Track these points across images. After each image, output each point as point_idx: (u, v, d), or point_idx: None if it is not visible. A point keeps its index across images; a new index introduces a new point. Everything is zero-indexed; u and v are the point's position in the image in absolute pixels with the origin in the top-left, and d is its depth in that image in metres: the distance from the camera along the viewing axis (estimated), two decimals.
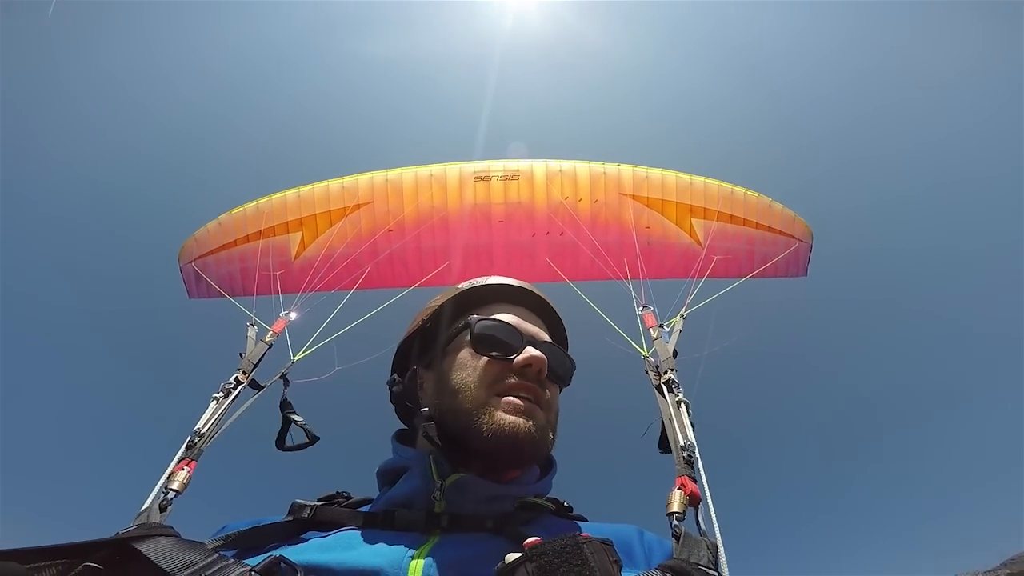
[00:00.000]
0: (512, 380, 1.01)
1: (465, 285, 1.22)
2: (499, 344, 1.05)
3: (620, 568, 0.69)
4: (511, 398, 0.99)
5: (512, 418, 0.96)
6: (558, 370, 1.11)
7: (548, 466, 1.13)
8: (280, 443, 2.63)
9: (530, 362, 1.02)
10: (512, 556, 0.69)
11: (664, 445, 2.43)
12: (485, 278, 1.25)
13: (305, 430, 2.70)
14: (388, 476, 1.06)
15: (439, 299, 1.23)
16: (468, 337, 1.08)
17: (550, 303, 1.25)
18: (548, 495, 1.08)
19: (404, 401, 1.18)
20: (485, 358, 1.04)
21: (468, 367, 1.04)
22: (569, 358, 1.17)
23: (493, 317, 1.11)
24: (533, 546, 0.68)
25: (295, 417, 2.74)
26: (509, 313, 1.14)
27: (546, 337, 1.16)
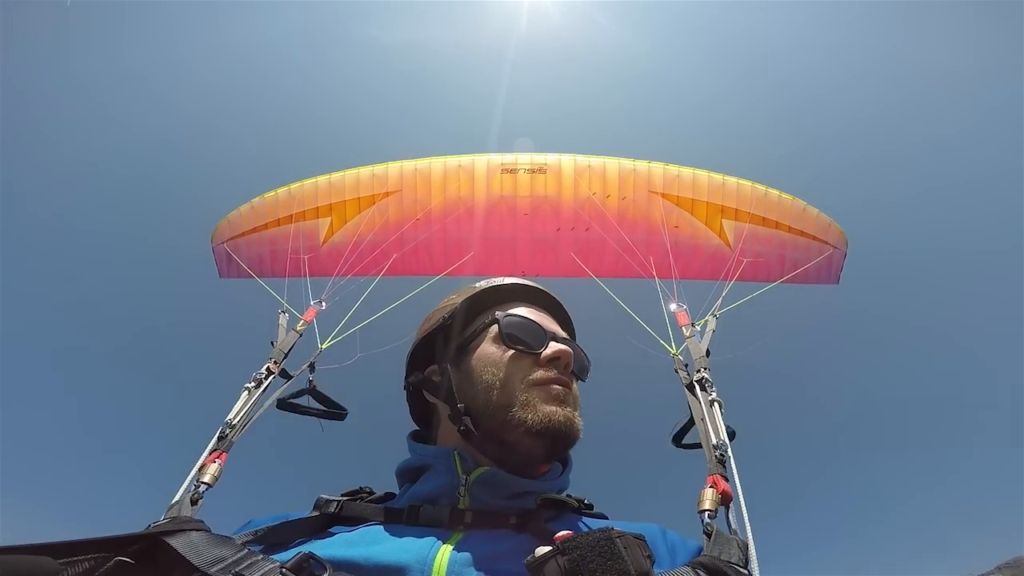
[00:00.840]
0: (543, 373, 1.03)
1: (483, 284, 1.23)
2: (525, 339, 1.07)
3: (653, 563, 0.68)
4: (551, 387, 1.01)
5: (554, 407, 0.98)
6: (580, 366, 1.14)
7: (565, 461, 1.12)
8: (329, 415, 2.78)
9: (559, 355, 1.04)
10: (543, 549, 0.68)
11: (679, 440, 2.45)
12: (500, 278, 1.27)
13: (333, 400, 2.83)
14: (408, 475, 1.07)
15: (455, 297, 1.24)
16: (495, 332, 1.09)
17: (562, 304, 1.28)
18: (567, 492, 1.08)
19: (424, 399, 1.19)
20: (512, 351, 1.05)
21: (497, 362, 1.04)
22: (587, 356, 1.20)
23: (518, 313, 1.12)
24: (565, 539, 0.68)
25: (323, 396, 2.85)
26: (529, 311, 1.17)
27: (564, 335, 1.18)
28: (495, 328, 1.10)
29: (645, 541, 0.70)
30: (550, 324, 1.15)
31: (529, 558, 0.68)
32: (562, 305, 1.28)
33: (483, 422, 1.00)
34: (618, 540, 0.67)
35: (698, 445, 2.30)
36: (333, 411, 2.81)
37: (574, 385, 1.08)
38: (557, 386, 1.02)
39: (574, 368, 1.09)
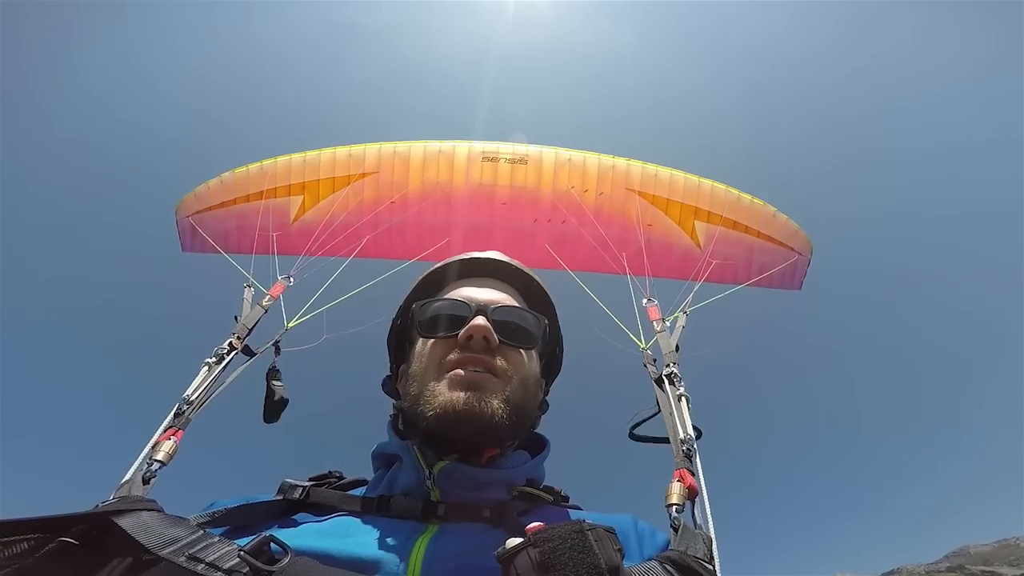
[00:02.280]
0: (453, 356, 0.99)
1: (438, 264, 1.21)
2: (445, 323, 1.03)
3: (623, 556, 0.68)
4: (453, 371, 0.96)
5: (449, 394, 0.93)
6: (516, 332, 1.04)
7: (538, 447, 1.10)
8: (268, 416, 2.64)
9: (471, 333, 0.98)
10: (514, 541, 0.67)
11: (634, 433, 2.47)
12: (457, 256, 1.22)
13: (278, 393, 2.70)
14: (383, 459, 1.05)
15: (409, 289, 1.22)
16: (416, 323, 1.07)
17: (520, 268, 1.20)
18: (544, 482, 1.07)
19: (387, 394, 1.18)
20: (431, 340, 1.03)
21: (420, 354, 1.04)
22: (536, 316, 1.10)
23: (436, 297, 1.10)
24: (536, 531, 0.67)
25: (276, 383, 2.74)
26: (469, 287, 1.12)
27: (509, 302, 1.10)
28: (415, 322, 1.08)
29: (616, 534, 0.70)
30: (484, 296, 1.08)
31: (499, 550, 0.67)
32: (522, 271, 1.20)
33: (409, 415, 1.00)
34: (589, 533, 0.66)
35: (656, 439, 2.36)
36: (270, 406, 2.71)
37: (500, 361, 1.00)
38: (470, 367, 0.97)
39: (508, 339, 1.02)
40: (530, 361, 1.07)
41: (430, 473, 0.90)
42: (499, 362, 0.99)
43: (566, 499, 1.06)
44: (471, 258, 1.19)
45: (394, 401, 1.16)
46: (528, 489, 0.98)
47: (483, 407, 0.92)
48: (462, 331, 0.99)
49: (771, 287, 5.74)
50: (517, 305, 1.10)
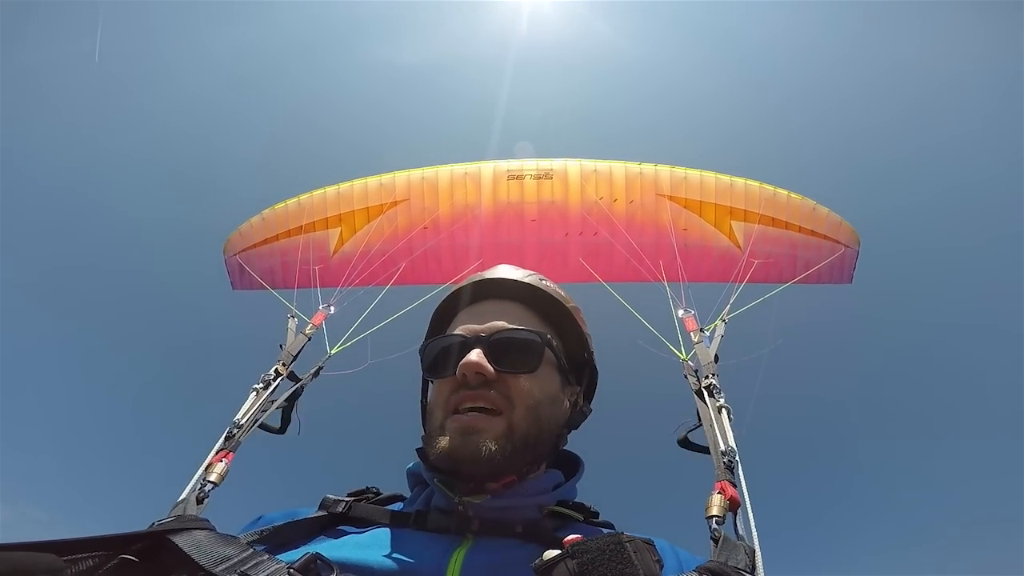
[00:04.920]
0: (459, 394, 0.96)
1: (445, 298, 1.19)
2: (444, 362, 1.01)
3: (662, 568, 0.67)
4: (457, 416, 0.95)
5: (445, 440, 0.93)
6: (514, 359, 0.99)
7: (572, 468, 1.09)
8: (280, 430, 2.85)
9: (463, 371, 0.95)
10: (551, 553, 0.67)
11: (685, 440, 2.44)
12: (468, 279, 1.17)
13: (281, 421, 2.91)
14: (416, 479, 1.06)
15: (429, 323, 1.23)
16: (423, 366, 1.08)
17: (522, 280, 1.12)
18: (575, 500, 1.05)
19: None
20: (439, 381, 1.03)
21: (433, 392, 1.05)
22: (535, 334, 1.02)
23: (436, 337, 1.08)
24: (574, 543, 0.67)
25: (293, 414, 2.95)
26: (470, 316, 1.08)
27: (505, 325, 1.03)
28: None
29: (655, 546, 0.70)
30: (480, 326, 1.03)
31: (537, 561, 0.67)
32: (512, 280, 1.11)
33: (425, 449, 1.01)
34: (628, 544, 0.66)
35: (705, 448, 2.31)
36: (282, 422, 2.93)
37: (495, 392, 0.96)
38: (470, 405, 0.95)
39: (507, 366, 0.97)
40: (538, 382, 1.01)
41: (459, 499, 0.91)
42: (495, 395, 0.95)
43: (596, 515, 1.05)
44: (471, 283, 1.14)
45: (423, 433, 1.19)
46: (558, 509, 0.98)
47: (476, 451, 0.90)
48: (457, 370, 0.97)
49: (820, 283, 5.48)
50: (511, 327, 1.03)
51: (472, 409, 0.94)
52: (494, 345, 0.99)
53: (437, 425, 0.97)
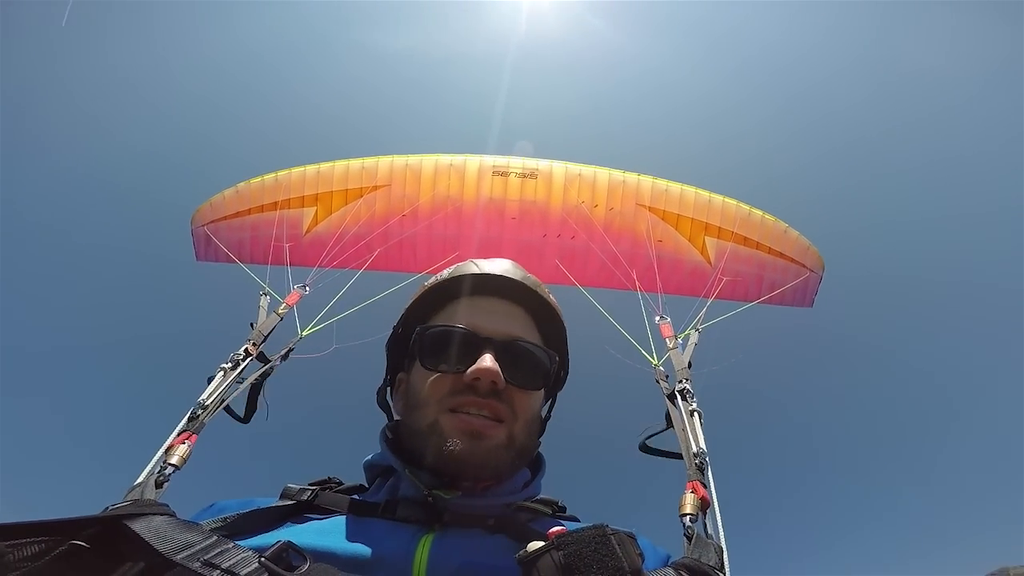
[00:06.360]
0: (464, 396, 0.93)
1: (445, 274, 1.13)
2: (450, 355, 0.97)
3: (643, 560, 0.68)
4: (460, 415, 0.92)
5: (449, 440, 0.90)
6: (526, 374, 0.98)
7: (537, 467, 1.10)
8: (245, 417, 2.75)
9: (478, 376, 0.92)
10: (535, 544, 0.68)
11: (646, 446, 2.52)
12: (463, 265, 1.13)
13: (246, 408, 2.82)
14: (375, 471, 1.04)
15: (411, 297, 1.16)
16: (417, 349, 1.01)
17: (533, 288, 1.10)
18: (539, 495, 1.05)
19: (381, 406, 1.15)
20: (435, 373, 0.97)
21: (423, 382, 0.98)
22: (548, 354, 1.03)
23: (441, 324, 1.02)
24: (560, 535, 0.68)
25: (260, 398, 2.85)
26: (477, 308, 1.05)
27: (518, 333, 1.02)
28: (418, 345, 1.00)
29: (636, 539, 0.71)
30: (493, 327, 1.00)
31: (521, 552, 0.68)
32: (538, 294, 1.10)
33: (406, 443, 0.98)
34: (612, 536, 0.67)
35: (666, 453, 2.40)
36: (246, 410, 2.84)
37: (505, 404, 0.95)
38: (475, 410, 0.93)
39: (516, 382, 0.96)
40: (536, 398, 1.03)
41: (429, 492, 0.90)
42: (503, 407, 0.95)
43: (563, 510, 1.06)
44: (474, 273, 1.10)
45: (387, 416, 1.15)
46: (527, 504, 0.97)
47: (484, 457, 0.90)
48: (468, 372, 0.93)
49: (782, 304, 5.69)
50: (530, 342, 1.02)
51: (477, 414, 0.93)
52: (506, 353, 0.97)
53: (428, 420, 0.93)
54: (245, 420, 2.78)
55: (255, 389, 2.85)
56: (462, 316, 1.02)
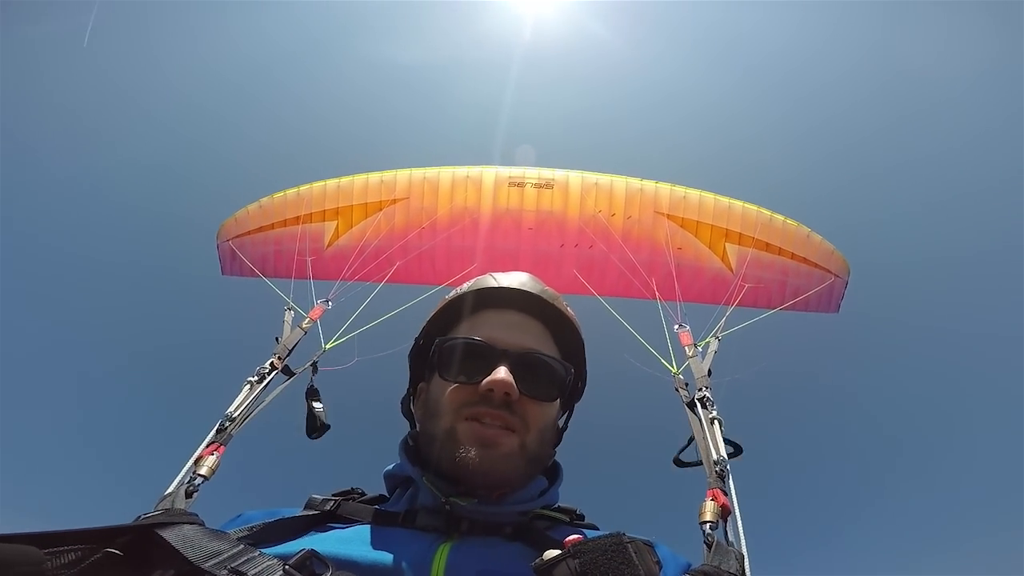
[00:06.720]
0: (479, 407, 0.95)
1: (465, 288, 1.16)
2: (465, 367, 0.99)
3: (661, 569, 0.69)
4: (474, 425, 0.94)
5: (462, 449, 0.92)
6: (540, 386, 1.00)
7: (554, 476, 1.10)
8: (310, 431, 2.74)
9: (491, 387, 0.94)
10: (552, 553, 0.68)
11: (679, 460, 2.51)
12: (482, 279, 1.16)
13: (319, 418, 2.81)
14: (395, 480, 1.06)
15: (432, 310, 1.19)
16: (436, 360, 1.03)
17: (551, 302, 1.12)
18: (558, 504, 1.06)
19: (405, 414, 1.18)
20: (453, 384, 0.99)
21: (439, 392, 1.01)
22: (563, 366, 1.04)
23: (459, 337, 1.04)
24: (576, 543, 0.68)
25: (316, 405, 2.84)
26: (494, 321, 1.07)
27: (533, 346, 1.04)
28: (436, 357, 1.03)
29: (653, 548, 0.71)
30: (509, 339, 1.02)
31: (537, 561, 0.68)
32: (554, 306, 1.12)
33: (423, 451, 1.01)
34: (629, 545, 0.67)
35: (696, 463, 2.38)
36: (311, 424, 2.83)
37: (518, 416, 0.96)
38: (477, 423, 0.94)
39: (525, 391, 0.97)
40: (551, 409, 1.04)
41: (447, 500, 0.92)
42: (516, 419, 0.96)
43: (582, 518, 1.06)
44: (494, 288, 1.12)
45: (411, 424, 1.17)
46: (544, 512, 0.99)
47: (496, 466, 0.92)
48: (483, 383, 0.95)
49: (807, 310, 5.56)
50: (545, 354, 1.04)
51: (490, 424, 0.94)
52: (521, 364, 0.99)
53: (444, 429, 0.96)
54: (317, 435, 2.82)
55: (311, 408, 2.86)
56: (480, 329, 1.05)
